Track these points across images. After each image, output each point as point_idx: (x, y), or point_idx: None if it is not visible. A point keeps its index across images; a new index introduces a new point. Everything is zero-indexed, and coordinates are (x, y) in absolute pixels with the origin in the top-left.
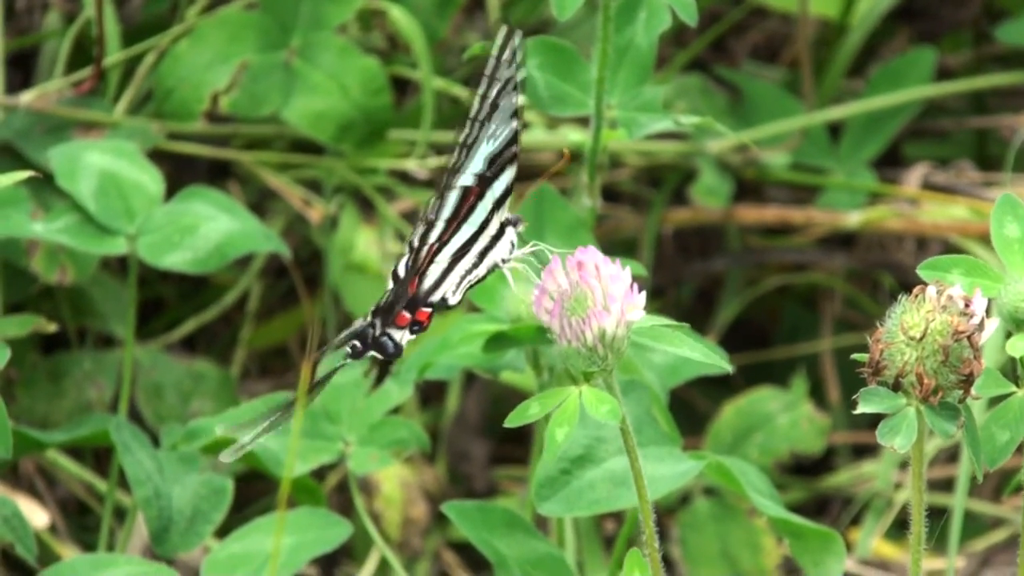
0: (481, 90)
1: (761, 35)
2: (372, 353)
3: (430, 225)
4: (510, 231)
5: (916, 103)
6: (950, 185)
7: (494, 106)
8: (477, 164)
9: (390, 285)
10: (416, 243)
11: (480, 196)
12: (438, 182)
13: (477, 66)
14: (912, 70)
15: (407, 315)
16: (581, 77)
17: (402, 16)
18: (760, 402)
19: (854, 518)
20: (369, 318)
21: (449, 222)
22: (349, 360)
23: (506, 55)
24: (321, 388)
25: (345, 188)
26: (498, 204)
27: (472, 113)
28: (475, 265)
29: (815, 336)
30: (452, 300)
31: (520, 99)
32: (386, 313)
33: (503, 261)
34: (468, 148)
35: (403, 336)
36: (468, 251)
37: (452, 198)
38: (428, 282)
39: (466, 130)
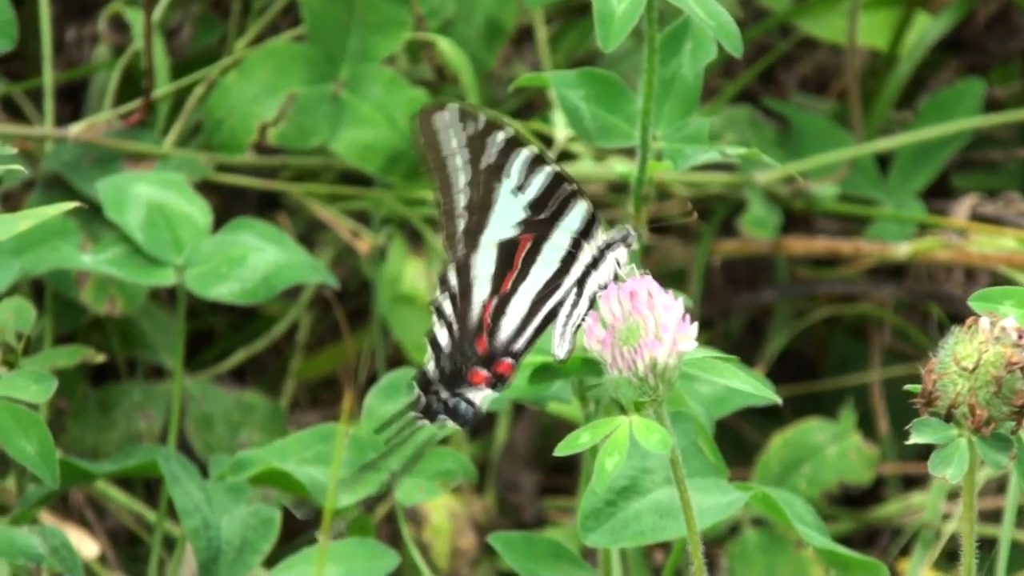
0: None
1: (810, 66)
2: (447, 421)
3: (466, 286)
4: (612, 255)
5: (965, 134)
6: (999, 216)
7: (488, 169)
8: (509, 216)
9: (430, 353)
10: (450, 307)
11: (541, 239)
12: (448, 244)
13: (524, 99)
14: (961, 101)
15: (484, 372)
16: (627, 108)
17: (450, 48)
18: (808, 433)
19: (903, 549)
20: (419, 391)
21: (499, 276)
22: (421, 422)
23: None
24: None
25: (393, 219)
26: (583, 235)
27: (459, 184)
28: (575, 303)
29: (864, 367)
30: (561, 352)
31: (528, 152)
32: (453, 378)
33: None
34: (481, 209)
35: (481, 395)
36: (554, 290)
37: (488, 256)
38: (504, 334)
39: (461, 199)
